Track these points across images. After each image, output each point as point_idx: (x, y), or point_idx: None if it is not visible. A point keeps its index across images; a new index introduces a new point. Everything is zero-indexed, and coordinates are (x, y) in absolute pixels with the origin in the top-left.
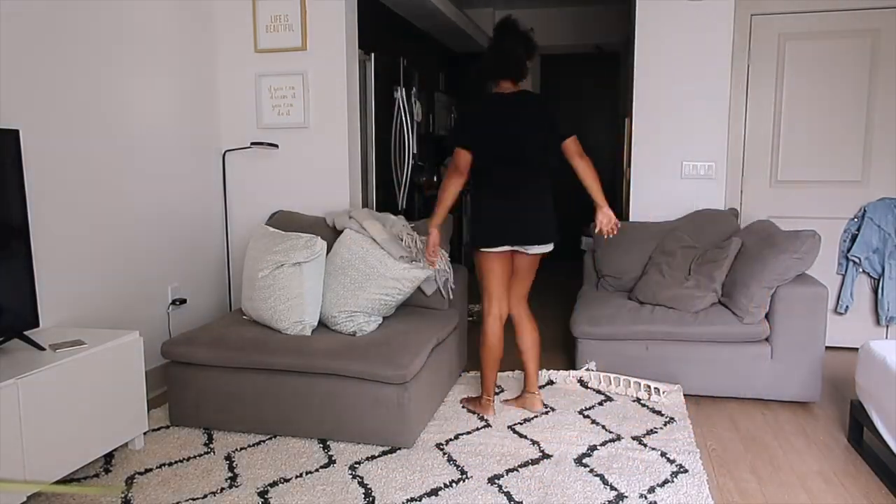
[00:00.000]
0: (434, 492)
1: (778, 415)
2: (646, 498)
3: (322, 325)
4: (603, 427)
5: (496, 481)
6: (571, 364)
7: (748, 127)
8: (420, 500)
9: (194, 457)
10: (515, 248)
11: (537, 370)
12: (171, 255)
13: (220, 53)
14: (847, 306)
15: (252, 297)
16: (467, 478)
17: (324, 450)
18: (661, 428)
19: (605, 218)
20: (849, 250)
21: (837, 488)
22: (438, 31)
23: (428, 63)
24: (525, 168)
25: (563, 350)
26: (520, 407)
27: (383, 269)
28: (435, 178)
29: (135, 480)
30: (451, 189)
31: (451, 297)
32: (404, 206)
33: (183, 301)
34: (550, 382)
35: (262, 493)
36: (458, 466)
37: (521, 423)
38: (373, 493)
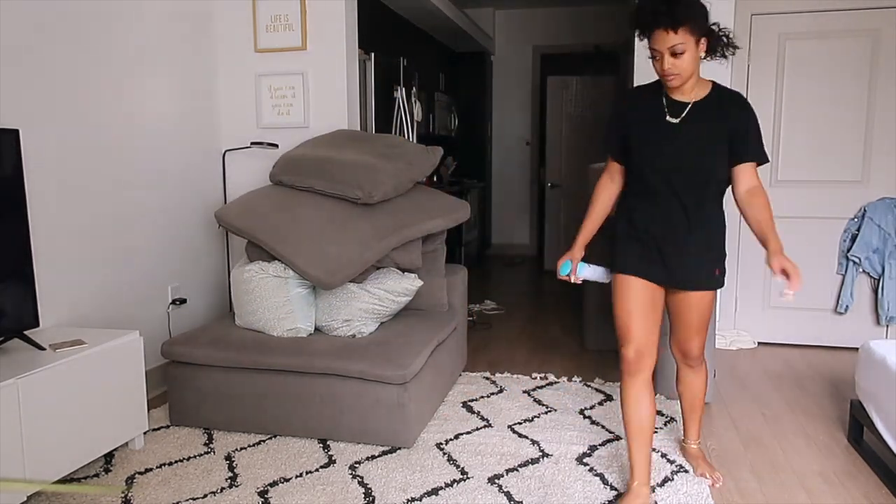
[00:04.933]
0: (434, 491)
1: (778, 415)
2: None
3: (319, 331)
4: (603, 427)
5: (496, 481)
6: (571, 366)
7: None
8: (420, 500)
9: (194, 457)
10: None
11: (695, 417)
12: (171, 255)
13: (220, 53)
14: (847, 306)
15: (241, 315)
16: (467, 477)
17: (324, 450)
18: (661, 428)
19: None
20: (849, 250)
21: (837, 488)
22: (438, 31)
23: (428, 63)
24: None
25: (563, 351)
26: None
27: (374, 280)
28: (435, 178)
29: (135, 480)
30: None
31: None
32: None
33: (183, 301)
34: (551, 383)
35: (262, 493)
36: (458, 466)
37: (521, 423)
38: (373, 493)
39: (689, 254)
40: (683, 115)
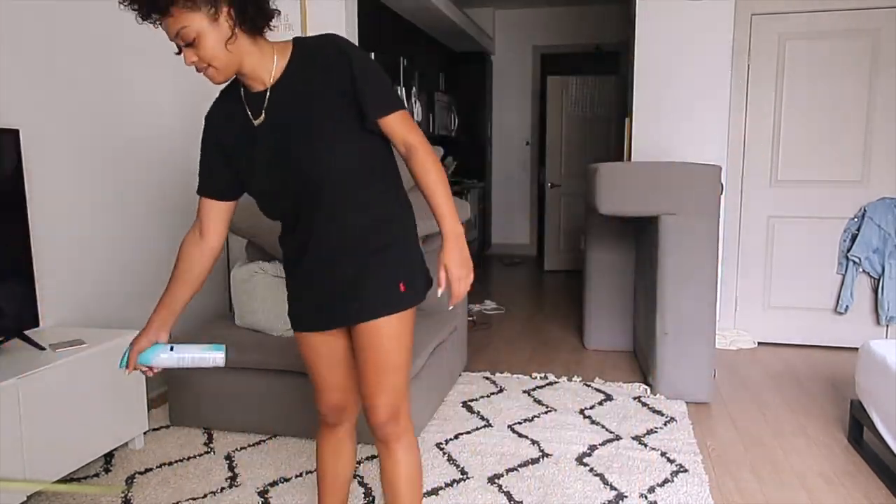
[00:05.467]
0: (434, 491)
1: (778, 415)
2: (646, 498)
3: None
4: (603, 427)
5: (496, 481)
6: (571, 366)
7: (748, 127)
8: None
9: (194, 457)
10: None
11: None
12: (171, 256)
13: None
14: (847, 306)
15: (241, 315)
16: (467, 477)
17: None
18: (661, 427)
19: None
20: (849, 250)
21: (837, 488)
22: (438, 31)
23: (428, 63)
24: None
25: (563, 351)
26: None
27: None
28: None
29: (135, 480)
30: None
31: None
32: None
33: None
34: (551, 383)
35: (262, 493)
36: (458, 466)
37: (521, 423)
38: (373, 493)
39: (341, 275)
40: (264, 108)
